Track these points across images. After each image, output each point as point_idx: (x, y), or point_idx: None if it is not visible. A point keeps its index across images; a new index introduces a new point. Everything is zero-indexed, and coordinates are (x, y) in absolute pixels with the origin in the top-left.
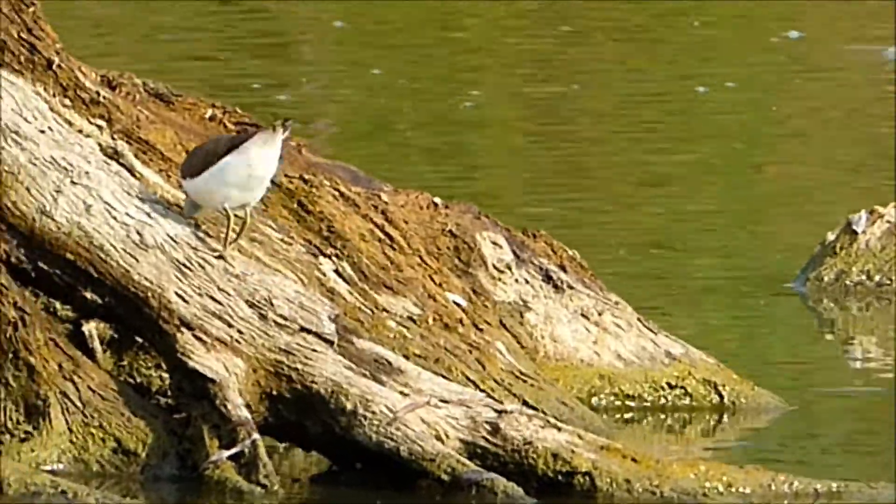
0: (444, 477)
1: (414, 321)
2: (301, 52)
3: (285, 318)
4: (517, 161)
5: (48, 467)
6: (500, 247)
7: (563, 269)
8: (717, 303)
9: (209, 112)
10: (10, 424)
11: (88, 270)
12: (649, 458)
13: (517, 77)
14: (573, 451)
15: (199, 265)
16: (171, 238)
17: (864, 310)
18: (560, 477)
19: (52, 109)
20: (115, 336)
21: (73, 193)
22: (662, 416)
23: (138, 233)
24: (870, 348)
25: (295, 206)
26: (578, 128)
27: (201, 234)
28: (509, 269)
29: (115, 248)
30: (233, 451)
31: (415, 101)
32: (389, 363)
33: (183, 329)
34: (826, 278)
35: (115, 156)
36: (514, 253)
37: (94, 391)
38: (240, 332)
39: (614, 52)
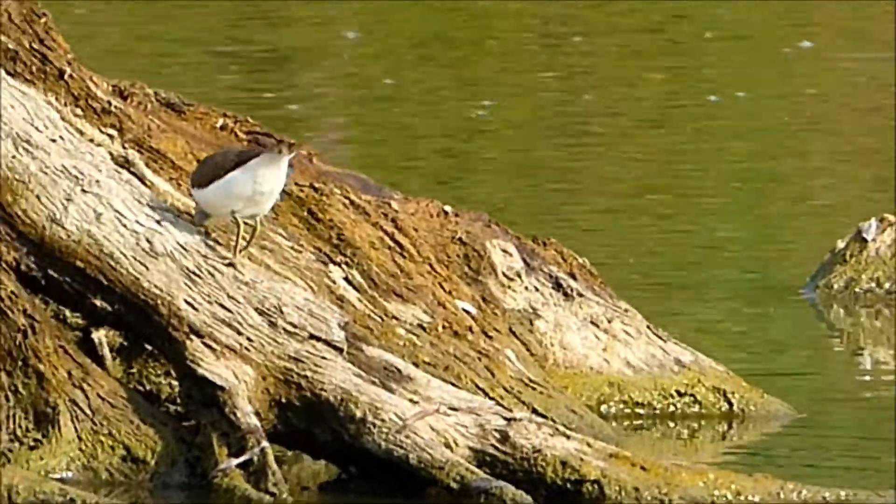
0: (453, 485)
1: (424, 329)
2: (313, 61)
3: (295, 326)
4: (529, 169)
5: (57, 475)
6: (510, 254)
7: (572, 276)
8: (727, 310)
9: (220, 121)
10: (19, 432)
11: (98, 278)
12: (658, 467)
13: (529, 86)
14: (582, 459)
15: (209, 273)
16: (181, 246)
17: (874, 317)
18: (569, 485)
19: (63, 119)
20: (125, 343)
21: (83, 202)
22: (672, 424)
23: (148, 241)
24: (879, 356)
25: (305, 214)
26: (590, 136)
27: (211, 242)
28: (519, 276)
29: (125, 255)
30: (242, 458)
31: (426, 110)
32: (399, 371)
33: (192, 336)
34: (836, 286)
35: (125, 165)
36: (524, 261)
37: (103, 399)
38: (249, 339)
39: (626, 61)
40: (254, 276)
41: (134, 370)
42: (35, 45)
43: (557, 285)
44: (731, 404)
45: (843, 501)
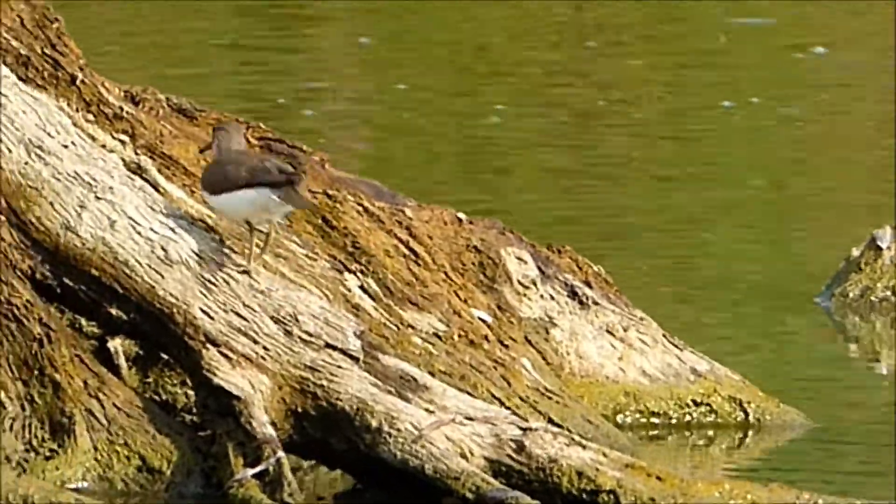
0: (469, 495)
1: (439, 337)
2: (327, 67)
3: (310, 335)
4: (543, 175)
5: (73, 485)
6: (525, 262)
7: (588, 284)
8: (743, 319)
9: None
10: (35, 442)
11: (113, 286)
12: (674, 477)
13: (544, 92)
14: (598, 469)
15: (224, 281)
16: (196, 254)
17: (889, 325)
18: (585, 495)
19: (75, 125)
20: (141, 352)
21: (97, 209)
22: (687, 434)
23: (163, 248)
24: (895, 364)
25: (319, 221)
26: (604, 143)
27: (226, 250)
28: (534, 284)
29: (139, 263)
30: (258, 468)
31: (440, 117)
32: (415, 380)
33: (208, 345)
34: (851, 294)
35: (138, 171)
36: (539, 269)
37: (119, 408)
38: (265, 348)
39: (640, 67)
40: (269, 284)
41: (150, 379)
42: (47, 51)
43: (573, 293)
44: (747, 414)
45: None
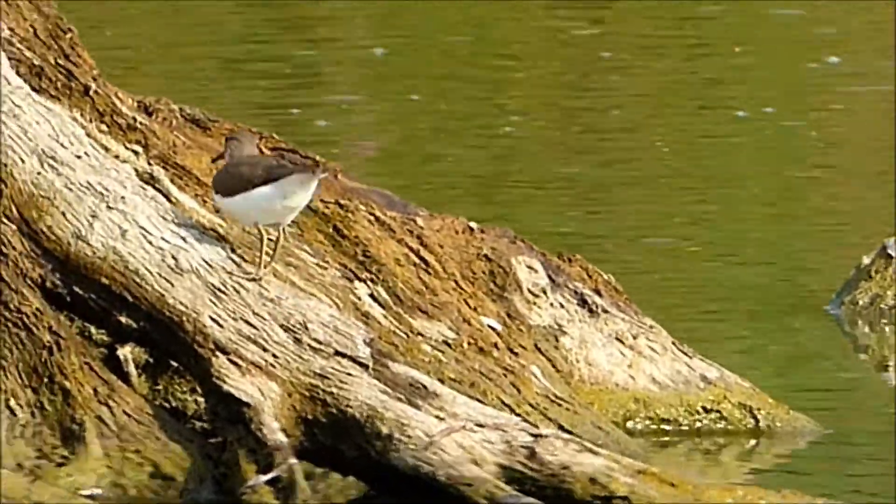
0: (482, 501)
1: (449, 345)
2: (341, 78)
3: (320, 343)
4: (555, 185)
5: (85, 492)
6: (536, 271)
7: (597, 292)
8: (753, 326)
9: None
10: (46, 449)
11: (124, 295)
12: (686, 483)
13: (557, 101)
14: (610, 476)
15: (234, 289)
16: (206, 262)
17: None
18: (597, 501)
19: (88, 135)
20: (151, 360)
21: (108, 218)
22: (698, 440)
23: (173, 257)
24: None
25: (330, 230)
26: (618, 152)
27: (236, 259)
28: (544, 293)
29: (150, 272)
30: (270, 475)
31: (453, 127)
32: (425, 387)
33: (218, 353)
34: (861, 302)
35: (151, 181)
36: (550, 277)
37: (129, 416)
38: (275, 356)
39: (654, 77)
40: (279, 292)
41: (160, 387)
42: (60, 62)
43: (583, 301)
44: (757, 420)
45: None
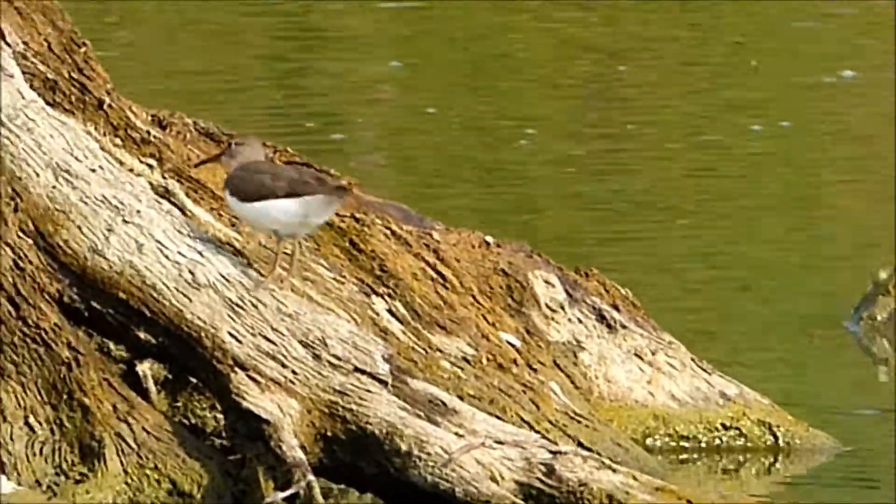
0: None
1: (468, 361)
2: (357, 91)
3: (339, 359)
4: (572, 199)
5: None
6: (553, 286)
7: (616, 308)
8: (771, 342)
9: None
10: (65, 466)
11: (141, 310)
12: (705, 500)
13: (573, 115)
14: (628, 493)
15: (252, 304)
16: (224, 277)
17: None
18: None
19: (102, 149)
20: (170, 376)
21: (124, 232)
22: (717, 457)
23: (191, 272)
24: None
25: (347, 244)
26: (633, 167)
27: (254, 273)
28: (562, 308)
29: (167, 287)
30: (288, 492)
31: (469, 140)
32: (444, 404)
33: (237, 369)
34: (879, 317)
35: (166, 195)
36: (567, 292)
37: (148, 432)
38: (294, 372)
39: (670, 90)
40: (297, 307)
41: (179, 403)
42: (74, 75)
43: (601, 317)
44: (776, 437)
45: None
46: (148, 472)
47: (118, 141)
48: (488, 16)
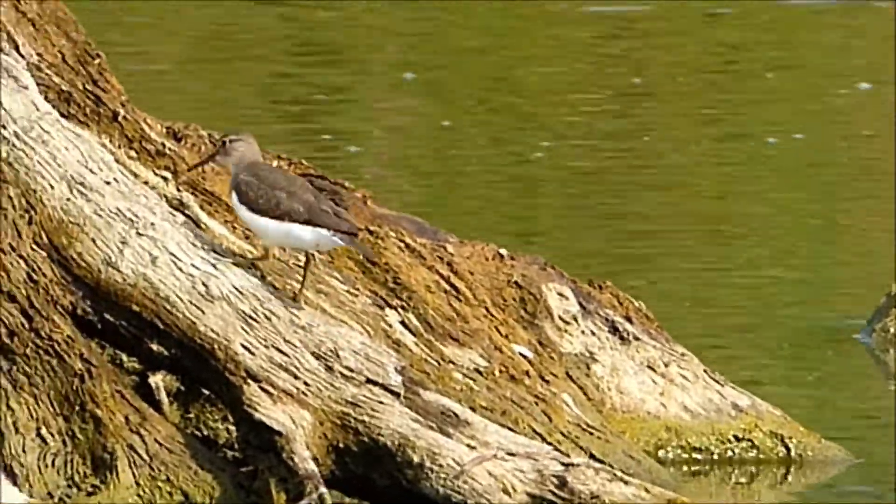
0: None
1: (480, 373)
2: (372, 104)
3: (352, 370)
4: (586, 211)
5: None
6: (566, 298)
7: (629, 320)
8: (784, 354)
9: (274, 163)
10: (77, 478)
11: (154, 322)
12: None
13: (587, 127)
14: None
15: (265, 317)
16: (237, 289)
17: None
18: None
19: (117, 161)
20: (182, 388)
21: (138, 245)
22: (729, 469)
23: (204, 284)
24: None
25: (360, 257)
26: (648, 179)
27: (267, 286)
28: (575, 320)
29: (180, 299)
30: (301, 503)
31: (484, 152)
32: (456, 415)
33: (249, 381)
34: (892, 329)
35: (180, 207)
36: (580, 304)
37: (161, 444)
38: (306, 384)
39: (685, 102)
40: (310, 319)
41: (191, 415)
42: (89, 87)
43: (614, 329)
44: (788, 449)
45: None
46: (160, 483)
47: (133, 153)
48: (503, 28)
